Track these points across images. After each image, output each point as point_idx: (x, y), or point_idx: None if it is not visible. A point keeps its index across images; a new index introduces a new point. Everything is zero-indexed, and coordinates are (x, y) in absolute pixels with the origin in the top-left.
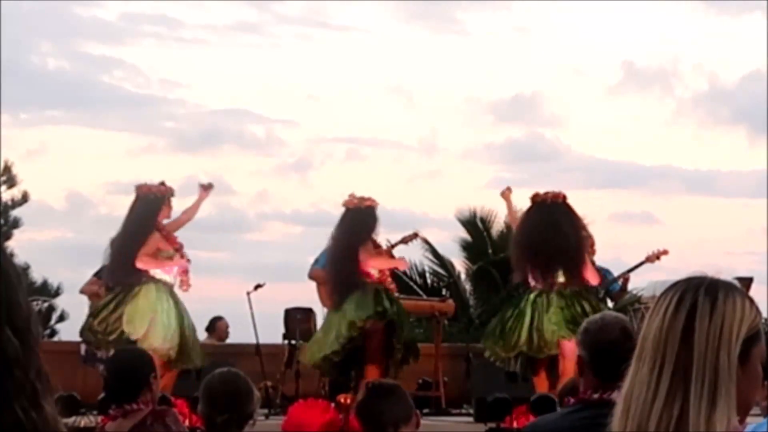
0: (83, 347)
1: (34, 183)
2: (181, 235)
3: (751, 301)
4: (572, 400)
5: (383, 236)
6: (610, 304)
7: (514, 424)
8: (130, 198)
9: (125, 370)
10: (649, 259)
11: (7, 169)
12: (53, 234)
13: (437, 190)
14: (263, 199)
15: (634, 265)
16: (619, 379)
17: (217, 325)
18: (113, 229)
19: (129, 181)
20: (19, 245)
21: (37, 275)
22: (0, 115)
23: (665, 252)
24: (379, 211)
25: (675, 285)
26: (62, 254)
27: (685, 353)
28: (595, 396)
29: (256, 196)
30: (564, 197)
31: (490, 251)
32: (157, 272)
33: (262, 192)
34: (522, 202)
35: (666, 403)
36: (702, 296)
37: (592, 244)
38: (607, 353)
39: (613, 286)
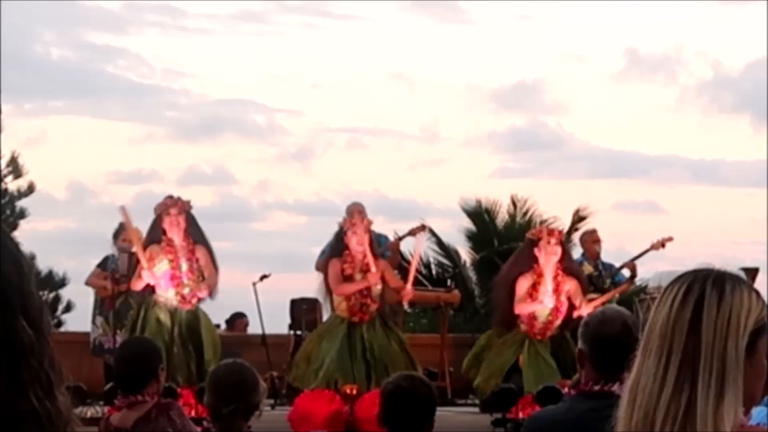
0: (92, 338)
1: (36, 172)
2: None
3: (758, 294)
4: (573, 392)
5: (388, 226)
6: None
7: (520, 415)
8: (131, 187)
9: (135, 359)
10: (654, 247)
11: (14, 159)
12: (56, 224)
13: (440, 178)
14: (265, 188)
15: (638, 253)
16: (619, 372)
17: (237, 322)
18: (115, 219)
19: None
20: (22, 235)
21: (42, 265)
22: (1, 104)
23: (670, 239)
24: (382, 201)
25: (682, 276)
26: (65, 244)
27: (692, 344)
28: (596, 388)
29: (258, 185)
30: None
31: (495, 241)
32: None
33: (264, 181)
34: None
35: (673, 393)
36: (709, 287)
37: (595, 233)
38: (608, 347)
39: (619, 277)
